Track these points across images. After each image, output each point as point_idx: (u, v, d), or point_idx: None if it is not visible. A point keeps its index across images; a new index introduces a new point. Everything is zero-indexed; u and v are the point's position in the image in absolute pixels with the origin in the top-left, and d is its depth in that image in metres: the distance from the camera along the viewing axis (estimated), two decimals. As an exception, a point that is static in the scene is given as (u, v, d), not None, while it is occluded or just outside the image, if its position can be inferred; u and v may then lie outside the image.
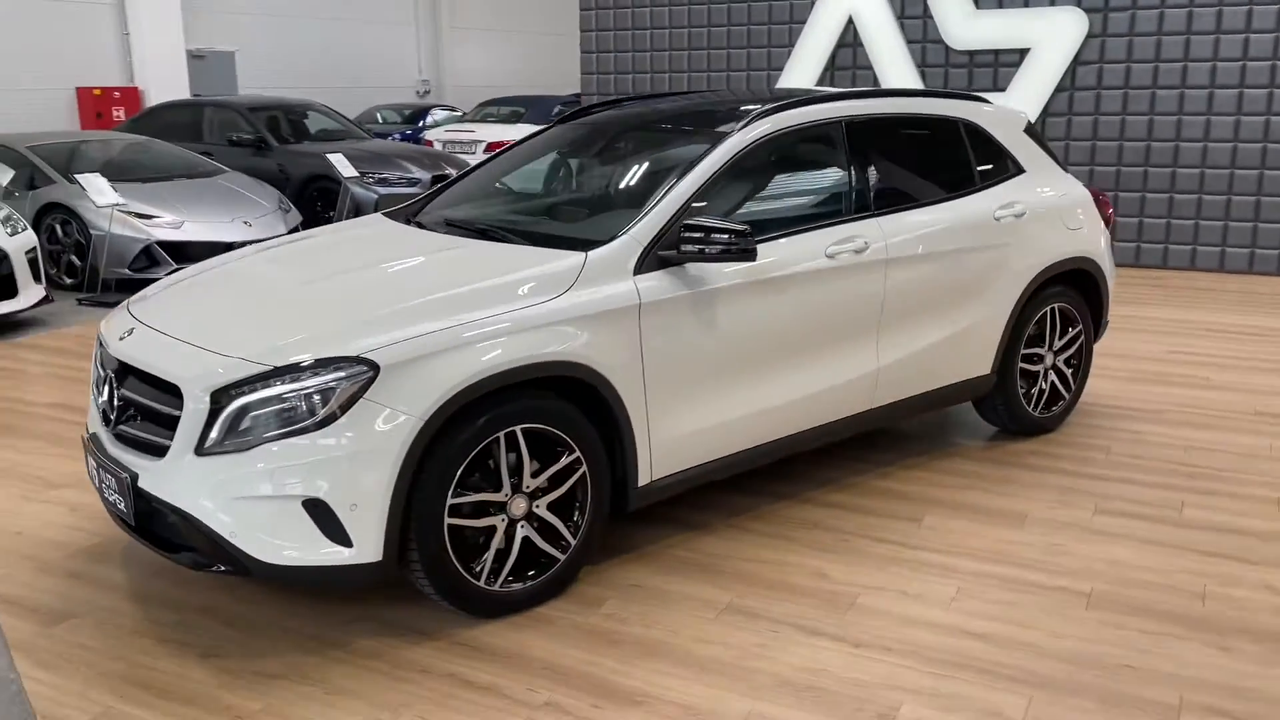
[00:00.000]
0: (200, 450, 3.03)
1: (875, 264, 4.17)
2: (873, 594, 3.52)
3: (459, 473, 3.14)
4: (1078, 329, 5.07)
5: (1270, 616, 3.35)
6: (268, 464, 2.97)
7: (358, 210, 10.10)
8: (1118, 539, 3.92)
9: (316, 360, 3.03)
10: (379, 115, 18.38)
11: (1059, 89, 9.60)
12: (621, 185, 4.30)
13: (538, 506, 3.36)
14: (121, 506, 3.25)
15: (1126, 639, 3.22)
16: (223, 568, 3.10)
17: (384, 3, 19.67)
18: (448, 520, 3.15)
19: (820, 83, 10.65)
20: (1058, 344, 5.01)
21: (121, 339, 3.45)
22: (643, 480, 3.62)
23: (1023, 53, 9.67)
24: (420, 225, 4.18)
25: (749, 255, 3.59)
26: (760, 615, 3.38)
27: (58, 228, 8.95)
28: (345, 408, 2.99)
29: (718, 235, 3.54)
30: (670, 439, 3.65)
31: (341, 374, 3.00)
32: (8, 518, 4.12)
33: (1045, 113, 9.67)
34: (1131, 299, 8.06)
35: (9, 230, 7.55)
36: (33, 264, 7.67)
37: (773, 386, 3.93)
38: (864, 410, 4.29)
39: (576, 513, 3.46)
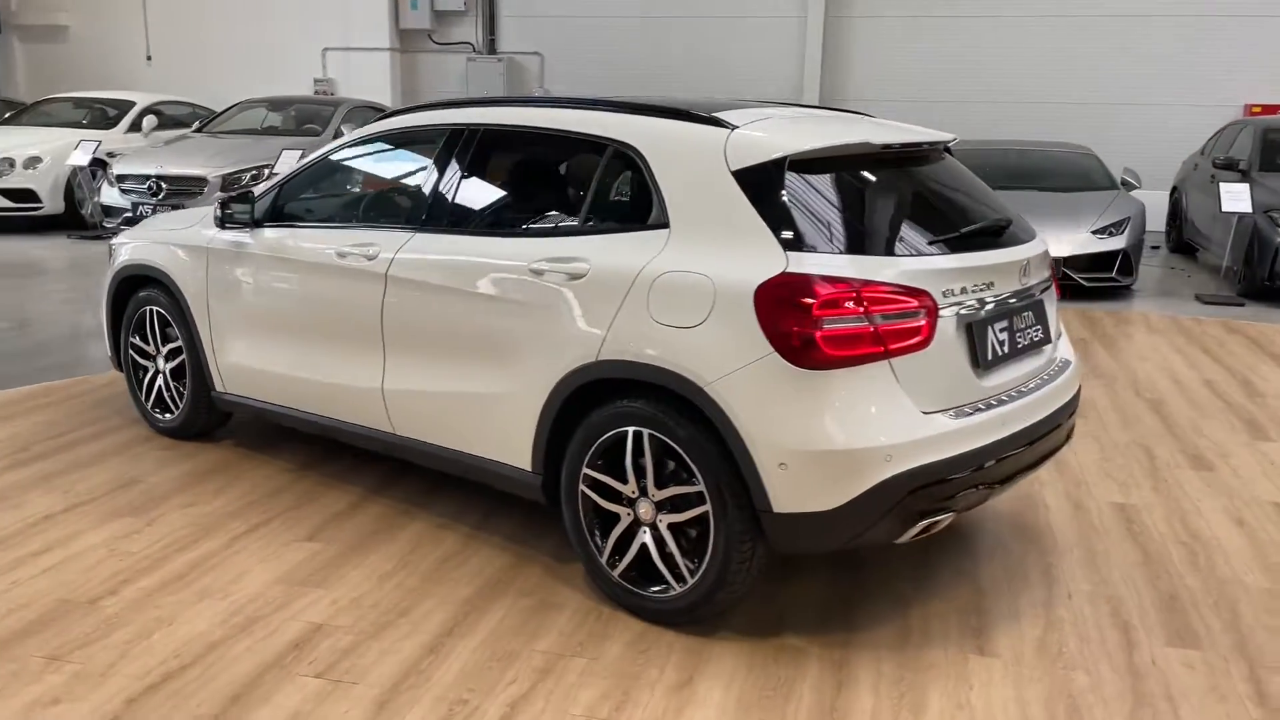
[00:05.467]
0: None
1: (374, 276, 3.93)
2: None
3: (130, 321, 5.05)
4: (695, 489, 3.15)
5: None
6: None
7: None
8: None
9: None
10: None
11: None
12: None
13: (164, 369, 4.95)
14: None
15: None
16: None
17: None
18: (129, 352, 5.12)
19: None
20: (658, 494, 3.26)
21: None
22: (217, 387, 4.73)
23: None
24: None
25: (220, 225, 4.40)
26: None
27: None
28: None
29: (229, 208, 4.40)
30: (231, 364, 4.62)
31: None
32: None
33: None
34: None
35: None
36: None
37: (305, 360, 4.31)
38: (386, 432, 4.06)
39: (191, 384, 4.87)
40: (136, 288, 5.02)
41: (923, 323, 3.05)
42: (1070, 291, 9.37)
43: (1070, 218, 9.53)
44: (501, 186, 3.91)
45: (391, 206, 4.22)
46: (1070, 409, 3.70)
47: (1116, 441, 5.28)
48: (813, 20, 15.04)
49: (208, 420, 4.93)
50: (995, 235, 3.42)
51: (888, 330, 2.99)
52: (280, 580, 3.60)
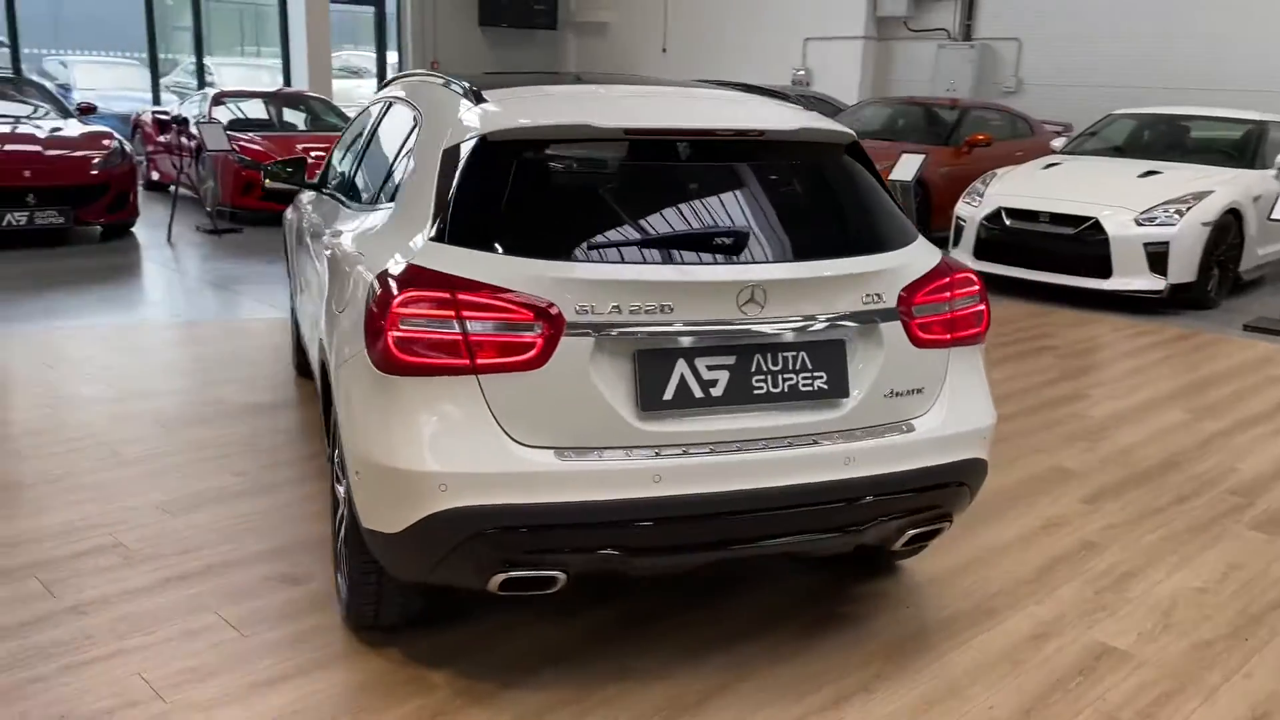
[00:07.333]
0: None
1: (322, 243, 4.12)
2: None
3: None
4: (349, 486, 2.95)
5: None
6: None
7: None
8: None
9: None
10: None
11: None
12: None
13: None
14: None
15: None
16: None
17: None
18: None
19: None
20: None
21: None
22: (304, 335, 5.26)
23: None
24: None
25: (263, 184, 4.83)
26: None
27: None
28: None
29: (270, 167, 4.89)
30: (301, 320, 5.12)
31: None
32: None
33: None
34: None
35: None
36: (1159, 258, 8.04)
37: (312, 320, 4.64)
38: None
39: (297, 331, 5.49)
40: (295, 242, 5.77)
41: (534, 338, 2.51)
42: None
43: None
44: (374, 160, 3.89)
45: (343, 178, 4.37)
46: (886, 489, 2.75)
47: (1261, 568, 3.70)
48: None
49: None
50: (724, 250, 2.65)
51: (481, 341, 2.52)
52: (162, 504, 3.99)
